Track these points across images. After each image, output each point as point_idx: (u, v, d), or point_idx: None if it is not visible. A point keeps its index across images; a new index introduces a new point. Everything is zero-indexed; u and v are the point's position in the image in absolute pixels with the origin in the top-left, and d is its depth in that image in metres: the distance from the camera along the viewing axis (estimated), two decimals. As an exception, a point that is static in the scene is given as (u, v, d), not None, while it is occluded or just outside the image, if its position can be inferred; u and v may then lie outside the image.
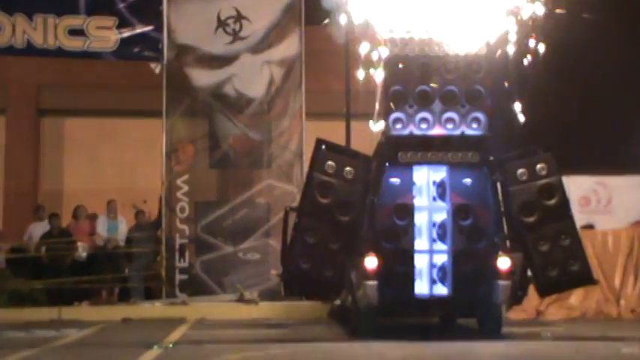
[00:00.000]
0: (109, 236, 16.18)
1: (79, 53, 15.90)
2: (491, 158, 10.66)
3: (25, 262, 15.88)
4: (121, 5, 15.76)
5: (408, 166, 10.53)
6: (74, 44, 15.75)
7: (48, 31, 15.62)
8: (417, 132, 10.56)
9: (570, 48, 16.76)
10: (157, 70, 15.97)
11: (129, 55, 16.01)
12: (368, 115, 11.47)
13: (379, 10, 10.58)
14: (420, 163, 10.54)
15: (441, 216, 10.53)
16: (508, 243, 10.67)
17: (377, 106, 11.08)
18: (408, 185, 10.54)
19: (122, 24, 15.76)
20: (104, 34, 15.77)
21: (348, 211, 10.67)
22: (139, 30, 15.82)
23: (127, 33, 15.79)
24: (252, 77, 16.06)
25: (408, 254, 10.43)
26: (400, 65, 10.55)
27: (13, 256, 15.98)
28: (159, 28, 15.86)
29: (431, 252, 10.53)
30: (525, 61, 11.21)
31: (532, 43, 11.16)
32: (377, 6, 10.62)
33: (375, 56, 10.89)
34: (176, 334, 11.78)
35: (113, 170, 18.96)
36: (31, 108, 19.23)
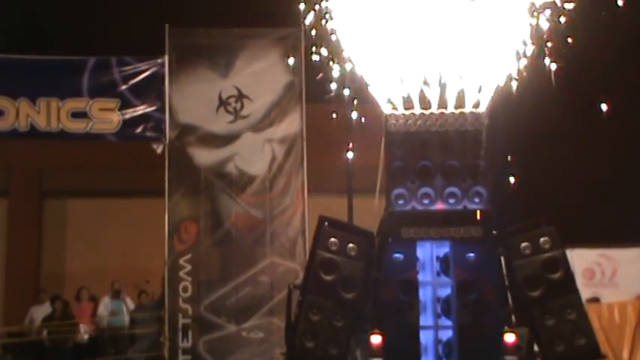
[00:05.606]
0: (112, 317, 16.09)
1: (82, 135, 15.98)
2: (494, 232, 10.64)
3: (26, 346, 15.73)
4: (124, 87, 15.91)
5: (411, 241, 10.52)
6: (77, 126, 15.84)
7: (51, 114, 15.71)
8: (419, 207, 10.56)
9: (570, 120, 16.85)
10: (159, 150, 16.03)
11: (131, 136, 16.10)
12: (370, 192, 11.48)
13: (379, 83, 10.64)
14: (423, 238, 10.52)
15: (446, 291, 10.48)
16: (513, 317, 10.59)
17: (378, 182, 11.09)
18: (412, 261, 10.50)
19: (124, 105, 15.88)
20: (106, 116, 15.87)
21: (352, 288, 10.60)
22: (140, 111, 15.94)
23: (129, 114, 15.89)
24: (253, 155, 16.13)
25: (413, 330, 10.36)
26: (401, 141, 10.60)
27: (13, 340, 15.84)
28: (161, 108, 15.99)
29: (436, 327, 10.47)
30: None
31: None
32: (377, 79, 10.69)
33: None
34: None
35: (115, 251, 18.94)
36: (34, 190, 19.31)
